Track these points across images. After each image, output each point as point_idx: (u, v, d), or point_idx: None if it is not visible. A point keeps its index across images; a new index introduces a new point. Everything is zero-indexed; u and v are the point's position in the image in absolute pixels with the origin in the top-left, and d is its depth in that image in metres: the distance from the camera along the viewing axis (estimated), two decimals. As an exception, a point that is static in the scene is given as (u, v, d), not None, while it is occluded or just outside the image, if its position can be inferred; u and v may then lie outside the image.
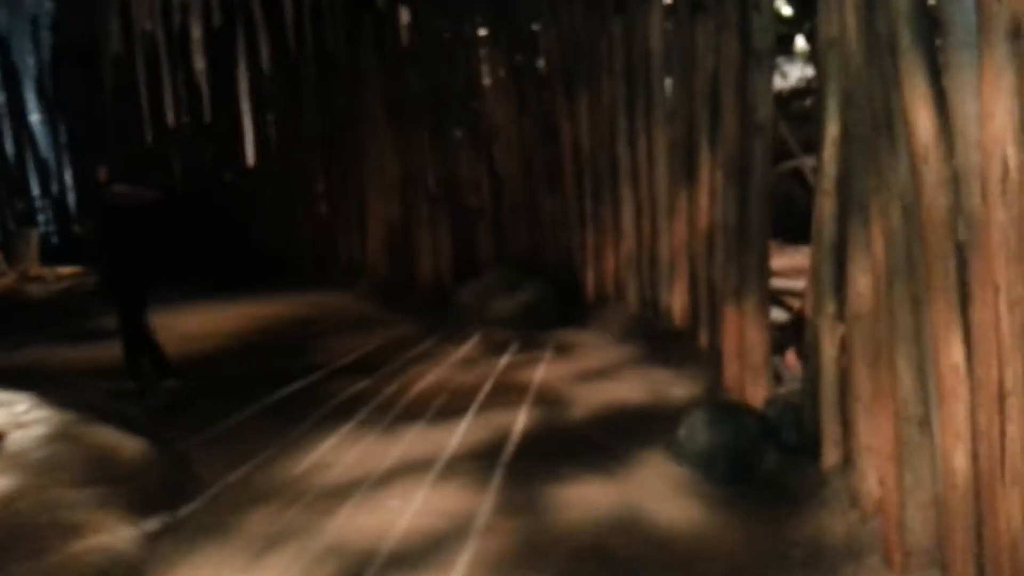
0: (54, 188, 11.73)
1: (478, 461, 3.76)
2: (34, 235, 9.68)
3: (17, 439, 3.68)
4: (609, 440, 3.92)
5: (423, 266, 7.36)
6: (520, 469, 3.65)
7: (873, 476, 2.76)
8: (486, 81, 7.12)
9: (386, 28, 7.44)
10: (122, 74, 10.35)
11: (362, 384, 4.99)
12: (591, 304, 6.12)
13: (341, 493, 3.52)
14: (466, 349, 5.72)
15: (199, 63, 9.59)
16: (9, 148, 11.50)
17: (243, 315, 6.93)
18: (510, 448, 3.90)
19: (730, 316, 4.03)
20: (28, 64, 11.82)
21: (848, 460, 2.99)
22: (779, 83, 7.09)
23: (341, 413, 4.50)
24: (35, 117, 11.80)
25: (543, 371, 5.06)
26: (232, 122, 9.41)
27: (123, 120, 10.30)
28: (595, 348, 5.45)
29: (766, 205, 3.80)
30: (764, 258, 3.85)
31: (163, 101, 10.03)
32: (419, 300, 7.22)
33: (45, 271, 9.43)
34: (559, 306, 6.25)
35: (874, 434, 2.73)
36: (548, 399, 4.54)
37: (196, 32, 9.62)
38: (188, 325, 6.45)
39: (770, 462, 3.42)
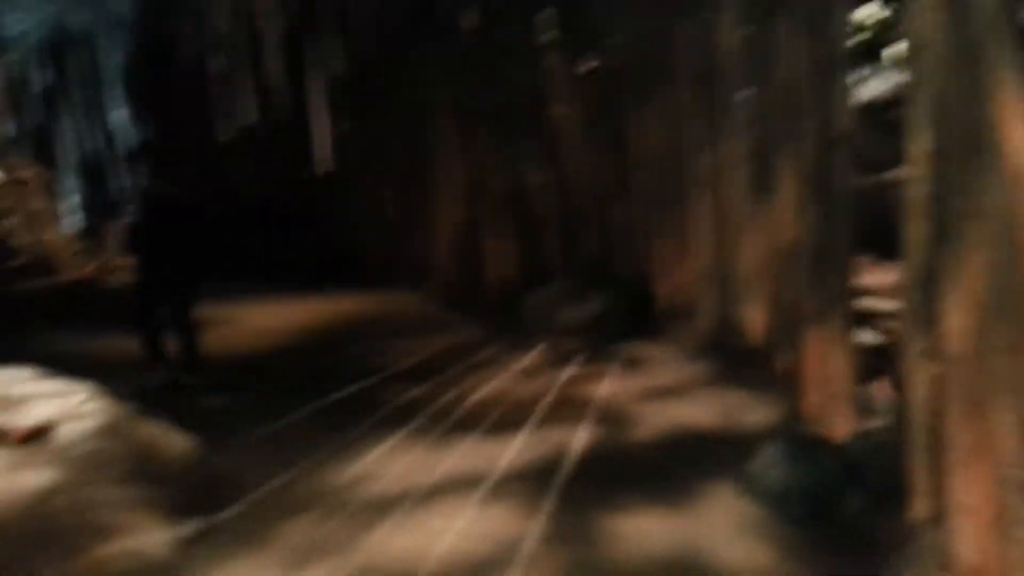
0: (132, 183, 12.06)
1: (530, 482, 3.53)
2: (114, 228, 9.92)
3: (67, 431, 3.61)
4: (674, 467, 3.63)
5: (489, 271, 7.18)
6: (574, 494, 3.40)
7: (969, 540, 2.41)
8: (554, 86, 6.89)
9: (452, 33, 7.29)
10: (198, 74, 10.53)
11: (419, 390, 4.83)
12: (662, 317, 5.81)
13: (384, 507, 3.34)
14: (529, 358, 5.50)
15: (272, 66, 9.68)
16: (92, 144, 11.86)
17: (308, 313, 6.89)
18: (566, 469, 3.65)
19: (811, 340, 3.69)
20: (111, 63, 12.16)
21: (941, 516, 2.64)
22: (871, 90, 6.63)
23: (394, 420, 4.34)
24: (117, 114, 12.13)
25: (608, 386, 4.80)
26: (303, 125, 9.45)
27: (198, 119, 10.49)
28: (665, 364, 5.15)
29: (849, 222, 3.46)
30: (848, 279, 3.50)
31: (237, 102, 10.16)
32: (484, 305, 7.05)
33: (124, 263, 9.64)
34: (628, 318, 5.96)
35: (971, 492, 2.38)
36: (611, 417, 4.28)
37: (270, 35, 9.70)
38: (254, 321, 6.43)
39: (852, 506, 3.09)
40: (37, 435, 3.25)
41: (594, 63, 6.51)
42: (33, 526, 2.84)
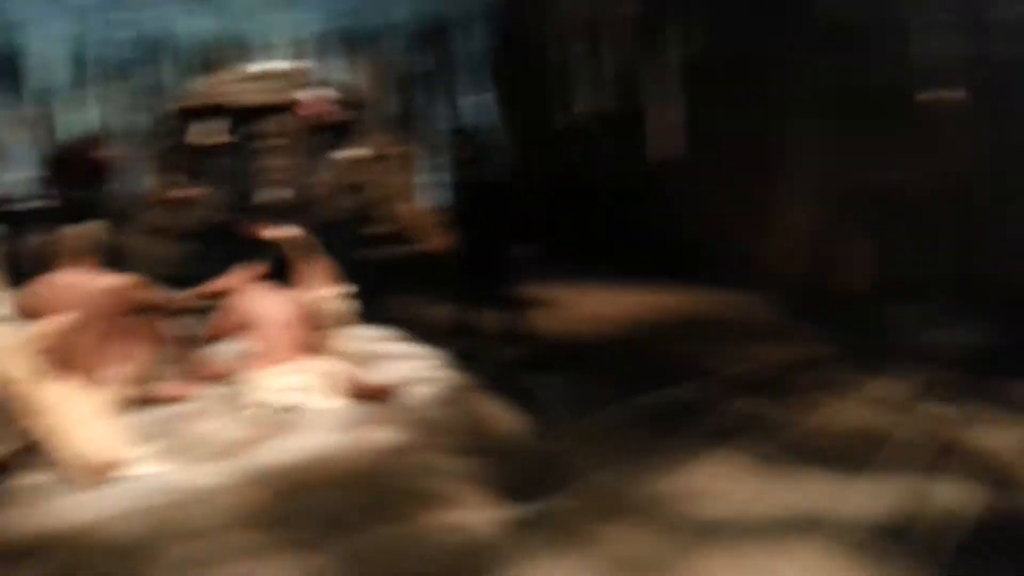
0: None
1: (891, 538, 2.98)
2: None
3: (414, 394, 3.79)
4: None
5: (842, 275, 6.45)
6: (952, 566, 2.80)
7: None
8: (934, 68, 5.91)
9: (813, 7, 6.57)
10: (545, 59, 10.83)
11: (753, 406, 4.40)
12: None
13: (711, 531, 3.03)
14: (889, 385, 4.78)
15: (617, 52, 9.61)
16: (451, 125, 12.78)
17: (640, 302, 6.72)
18: (938, 532, 3.04)
19: None
20: (468, 50, 12.95)
21: None
22: None
23: (725, 436, 3.98)
24: (471, 99, 12.91)
25: (995, 436, 3.98)
26: (649, 110, 9.29)
27: (546, 103, 10.80)
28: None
29: None
30: None
31: (578, 86, 10.29)
32: (833, 315, 6.33)
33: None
34: (1021, 354, 4.96)
35: None
36: (1001, 478, 3.51)
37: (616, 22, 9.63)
38: (584, 305, 6.42)
39: None
40: (387, 394, 3.40)
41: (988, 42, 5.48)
42: (372, 484, 2.95)
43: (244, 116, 8.61)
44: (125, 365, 3.31)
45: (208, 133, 8.69)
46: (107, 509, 2.53)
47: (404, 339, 4.21)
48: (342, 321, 3.84)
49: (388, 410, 3.31)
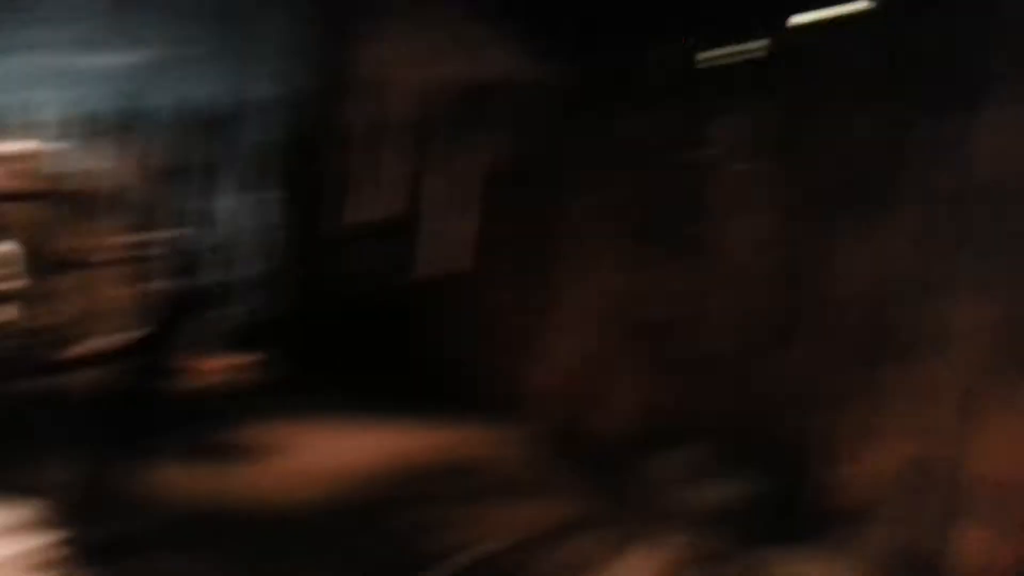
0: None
1: None
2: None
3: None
4: None
5: (611, 416, 5.80)
6: None
7: None
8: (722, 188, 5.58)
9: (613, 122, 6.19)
10: (326, 159, 10.04)
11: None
12: (835, 516, 4.23)
13: None
14: (648, 567, 4.02)
15: (402, 157, 8.96)
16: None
17: (383, 447, 5.72)
18: None
19: None
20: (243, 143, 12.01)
21: None
22: None
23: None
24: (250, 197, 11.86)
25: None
26: (423, 219, 8.61)
27: (322, 206, 9.92)
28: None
29: None
30: None
31: (359, 191, 9.51)
32: (597, 460, 5.64)
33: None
34: (789, 510, 4.42)
35: None
36: None
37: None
38: (309, 455, 5.32)
39: None
40: None
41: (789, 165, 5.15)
42: None
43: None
44: None
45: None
46: None
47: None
48: None
49: None
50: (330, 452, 5.57)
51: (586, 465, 5.57)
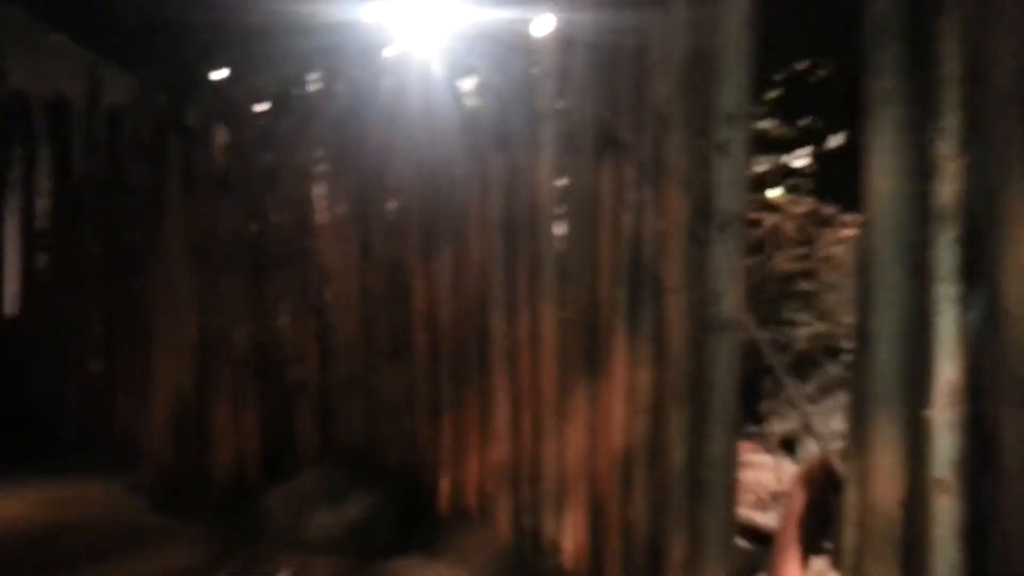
0: None
1: None
2: None
3: None
4: None
5: (221, 453, 5.56)
6: None
7: None
8: (320, 220, 5.67)
9: (196, 149, 5.89)
10: None
11: None
12: (446, 520, 4.59)
13: None
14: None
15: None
16: None
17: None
18: None
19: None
20: None
21: None
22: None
23: None
24: None
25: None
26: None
27: None
28: (453, 600, 3.89)
29: (734, 439, 2.53)
30: (731, 518, 2.53)
31: None
32: (212, 501, 5.41)
33: None
34: (402, 522, 4.68)
35: None
36: None
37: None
38: None
39: None
40: None
41: (371, 196, 5.39)
42: None
43: None
44: None
45: None
46: None
47: None
48: None
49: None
50: None
51: (202, 507, 5.31)
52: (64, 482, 5.98)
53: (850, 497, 1.96)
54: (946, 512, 1.68)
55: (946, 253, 1.89)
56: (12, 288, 7.52)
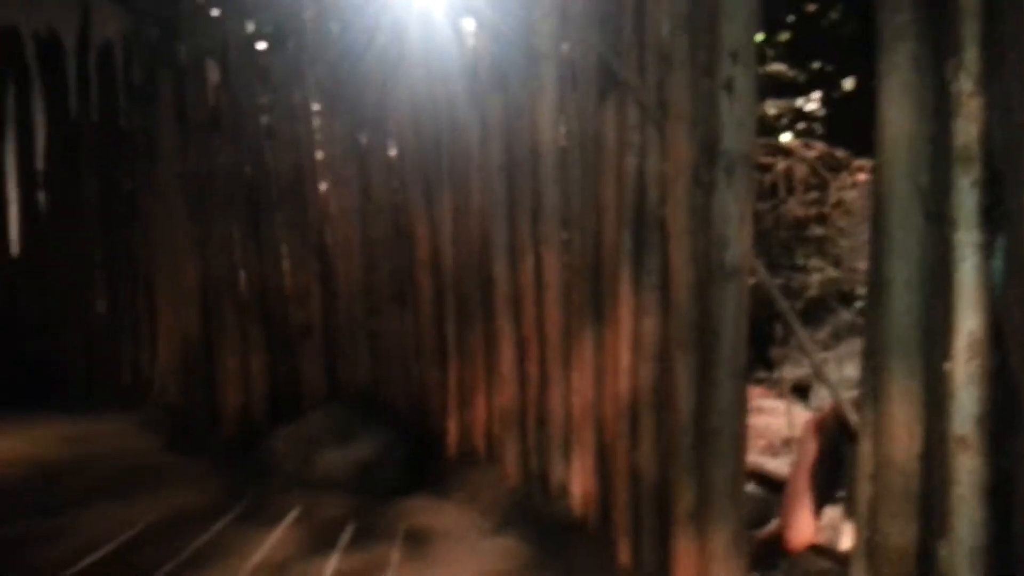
0: None
1: None
2: None
3: None
4: None
5: (228, 394, 5.57)
6: None
7: None
8: (319, 161, 5.56)
9: (188, 87, 5.74)
10: None
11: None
12: (454, 463, 4.61)
13: None
14: (276, 537, 4.02)
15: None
16: None
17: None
18: None
19: (684, 548, 2.65)
20: None
21: None
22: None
23: None
24: None
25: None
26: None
27: None
28: (461, 540, 3.92)
29: (742, 388, 2.49)
30: (739, 468, 2.51)
31: None
32: (221, 440, 5.44)
33: None
34: (410, 463, 4.71)
35: None
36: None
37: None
38: None
39: None
40: None
41: (371, 137, 5.27)
42: None
43: None
44: None
45: None
46: None
47: None
48: None
49: None
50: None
51: (211, 446, 5.36)
52: (73, 421, 6.03)
53: (864, 448, 1.92)
54: (968, 470, 1.64)
55: (966, 197, 1.79)
56: (13, 230, 7.47)
